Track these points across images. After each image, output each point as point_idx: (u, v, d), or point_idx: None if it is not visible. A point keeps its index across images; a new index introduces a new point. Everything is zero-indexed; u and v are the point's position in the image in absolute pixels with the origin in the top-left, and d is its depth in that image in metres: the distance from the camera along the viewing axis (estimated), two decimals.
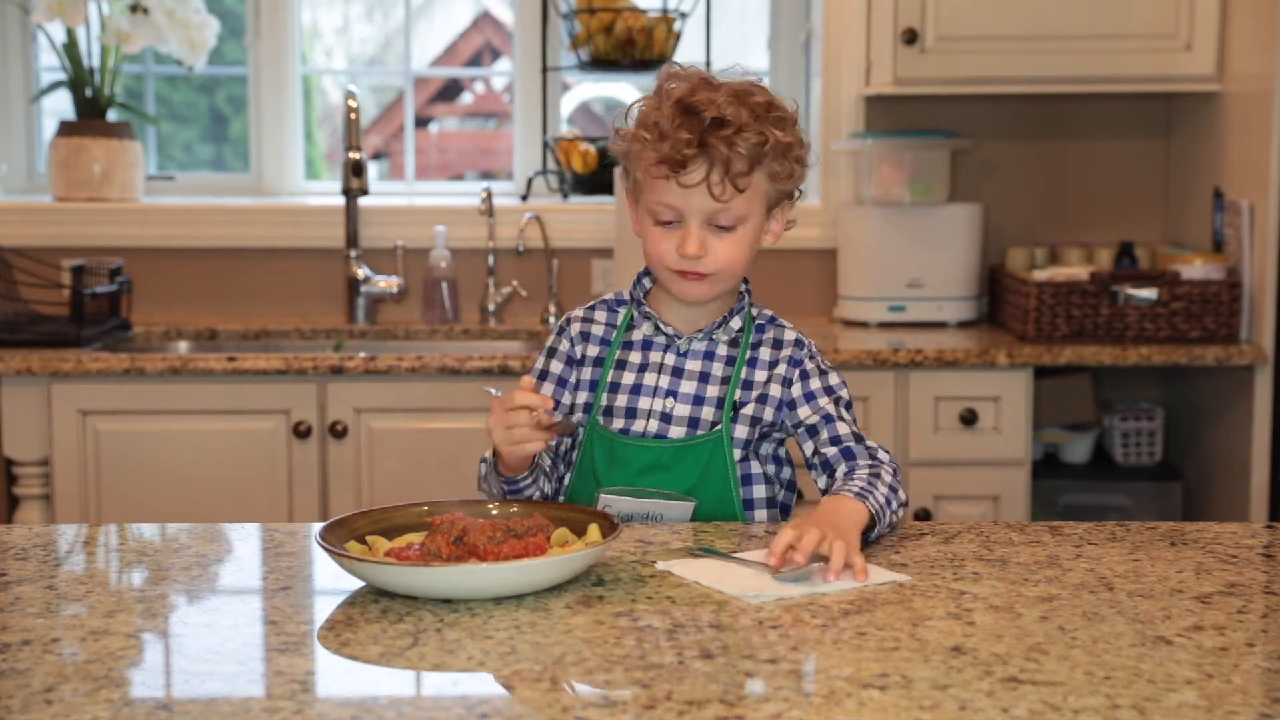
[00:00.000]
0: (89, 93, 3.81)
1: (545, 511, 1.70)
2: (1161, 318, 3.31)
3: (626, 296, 1.97)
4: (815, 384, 1.93)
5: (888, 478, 1.82)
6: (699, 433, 1.90)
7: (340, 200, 3.78)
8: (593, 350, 1.95)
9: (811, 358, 1.95)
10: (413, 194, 4.06)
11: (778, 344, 1.95)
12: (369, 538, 1.65)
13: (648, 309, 1.93)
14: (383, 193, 4.04)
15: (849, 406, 1.93)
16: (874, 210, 3.60)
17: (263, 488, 3.18)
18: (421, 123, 4.70)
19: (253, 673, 1.31)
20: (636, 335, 1.95)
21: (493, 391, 1.92)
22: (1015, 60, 3.42)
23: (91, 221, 3.74)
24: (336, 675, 1.31)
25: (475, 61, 4.97)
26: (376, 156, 4.55)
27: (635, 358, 1.93)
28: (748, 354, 1.93)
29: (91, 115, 3.81)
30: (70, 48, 3.78)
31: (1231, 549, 1.71)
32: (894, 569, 1.63)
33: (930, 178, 3.62)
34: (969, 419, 3.24)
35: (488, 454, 1.87)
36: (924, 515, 3.25)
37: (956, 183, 3.78)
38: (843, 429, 1.90)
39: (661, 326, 1.92)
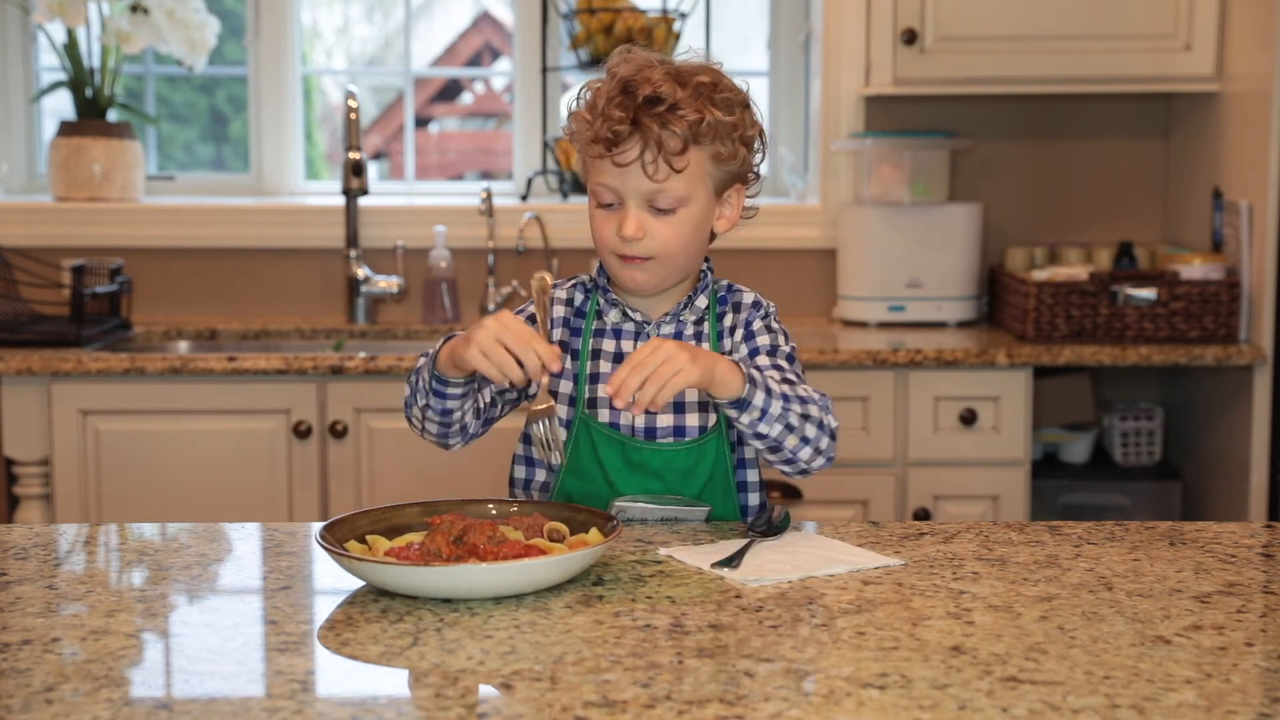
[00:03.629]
0: (89, 93, 3.81)
1: (546, 511, 1.70)
2: (1161, 318, 3.32)
3: (594, 283, 1.95)
4: (758, 341, 1.90)
5: (803, 390, 1.79)
6: (686, 416, 1.88)
7: (340, 200, 3.78)
8: (571, 339, 1.92)
9: (764, 318, 1.93)
10: (413, 194, 4.06)
11: (737, 308, 1.93)
12: (369, 538, 1.65)
13: (614, 295, 1.91)
14: (383, 193, 4.04)
15: (790, 359, 1.89)
16: (874, 210, 3.61)
17: (263, 488, 3.18)
18: (421, 123, 4.70)
19: (253, 672, 1.31)
20: (605, 322, 1.92)
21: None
22: (1015, 60, 3.42)
23: (91, 221, 3.74)
24: (336, 675, 1.31)
25: (475, 61, 4.97)
26: (376, 156, 4.55)
27: (608, 345, 1.91)
28: (717, 327, 1.92)
29: (91, 115, 3.81)
30: (70, 48, 3.78)
31: (1230, 549, 1.72)
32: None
33: (930, 178, 3.62)
34: (969, 419, 3.24)
35: (433, 348, 1.83)
36: (924, 515, 3.25)
37: (956, 183, 3.78)
38: (774, 381, 1.86)
39: (629, 313, 1.91)
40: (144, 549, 1.75)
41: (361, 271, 3.70)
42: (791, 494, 3.23)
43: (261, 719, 1.19)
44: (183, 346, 3.60)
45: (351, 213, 3.71)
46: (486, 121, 5.16)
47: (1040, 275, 3.37)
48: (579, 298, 1.95)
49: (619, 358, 1.89)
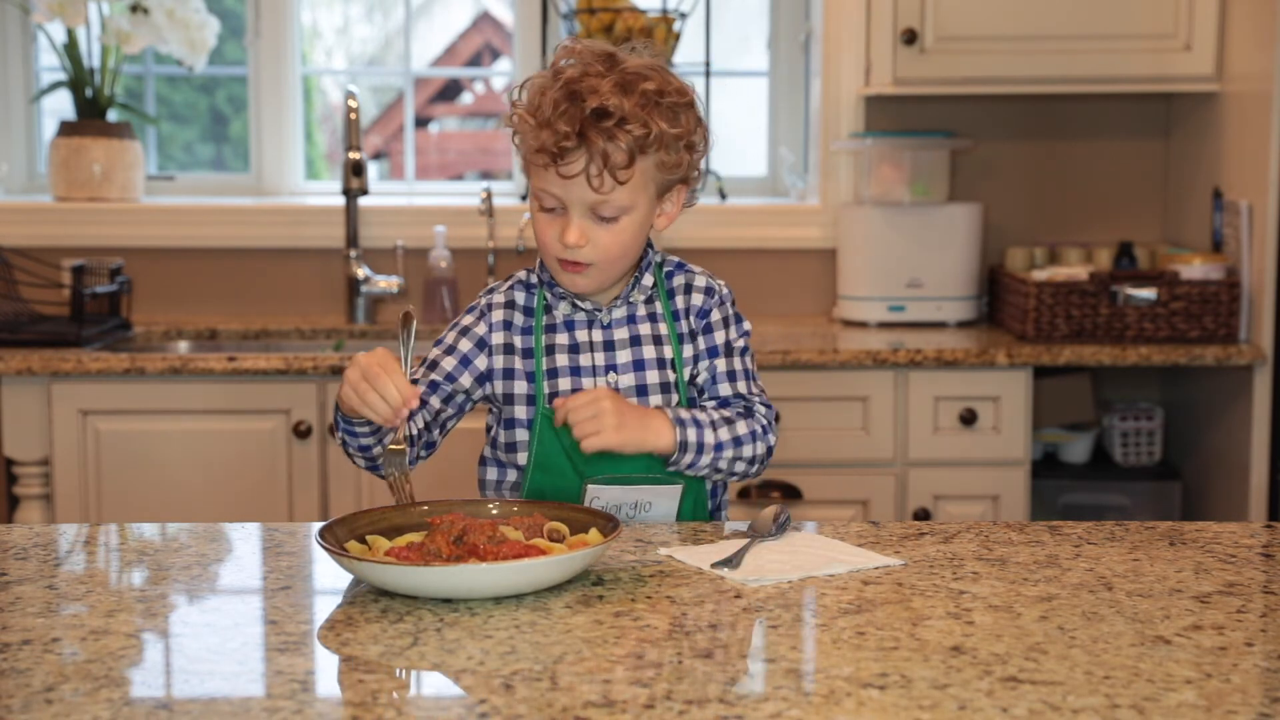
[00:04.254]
0: (89, 93, 3.81)
1: (546, 511, 1.70)
2: (1161, 318, 3.32)
3: (535, 280, 1.94)
4: (716, 338, 1.93)
5: (741, 427, 1.87)
6: (650, 398, 1.89)
7: (340, 200, 3.78)
8: (517, 340, 1.91)
9: (720, 305, 1.95)
10: (413, 194, 4.06)
11: (688, 289, 1.94)
12: (369, 538, 1.65)
13: (560, 289, 1.91)
14: (383, 193, 4.04)
15: (744, 352, 1.94)
16: (874, 210, 3.61)
17: (263, 488, 3.18)
18: (421, 123, 4.70)
19: (253, 672, 1.31)
20: (556, 316, 1.92)
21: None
22: (1015, 60, 3.42)
23: (91, 221, 3.74)
24: (336, 675, 1.31)
25: (475, 61, 4.97)
26: (376, 156, 4.55)
27: (562, 339, 1.91)
28: (670, 306, 1.93)
29: (91, 115, 3.81)
30: (70, 48, 3.78)
31: (1230, 549, 1.72)
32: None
33: (930, 178, 3.62)
34: (968, 419, 3.24)
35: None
36: (924, 515, 3.25)
37: (956, 183, 3.78)
38: (724, 389, 1.92)
39: (579, 303, 1.91)
40: (144, 549, 1.75)
41: (361, 271, 3.70)
42: (791, 494, 3.23)
43: (261, 719, 1.19)
44: (183, 346, 3.60)
45: (351, 213, 3.71)
46: (486, 121, 5.15)
47: (1040, 275, 3.37)
48: (520, 297, 1.94)
49: (575, 348, 1.90)
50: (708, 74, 3.85)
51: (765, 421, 1.90)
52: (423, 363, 1.94)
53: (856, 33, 3.68)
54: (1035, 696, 1.23)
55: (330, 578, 1.60)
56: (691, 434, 1.82)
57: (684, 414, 1.84)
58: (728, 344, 1.93)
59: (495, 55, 4.93)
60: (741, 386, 1.93)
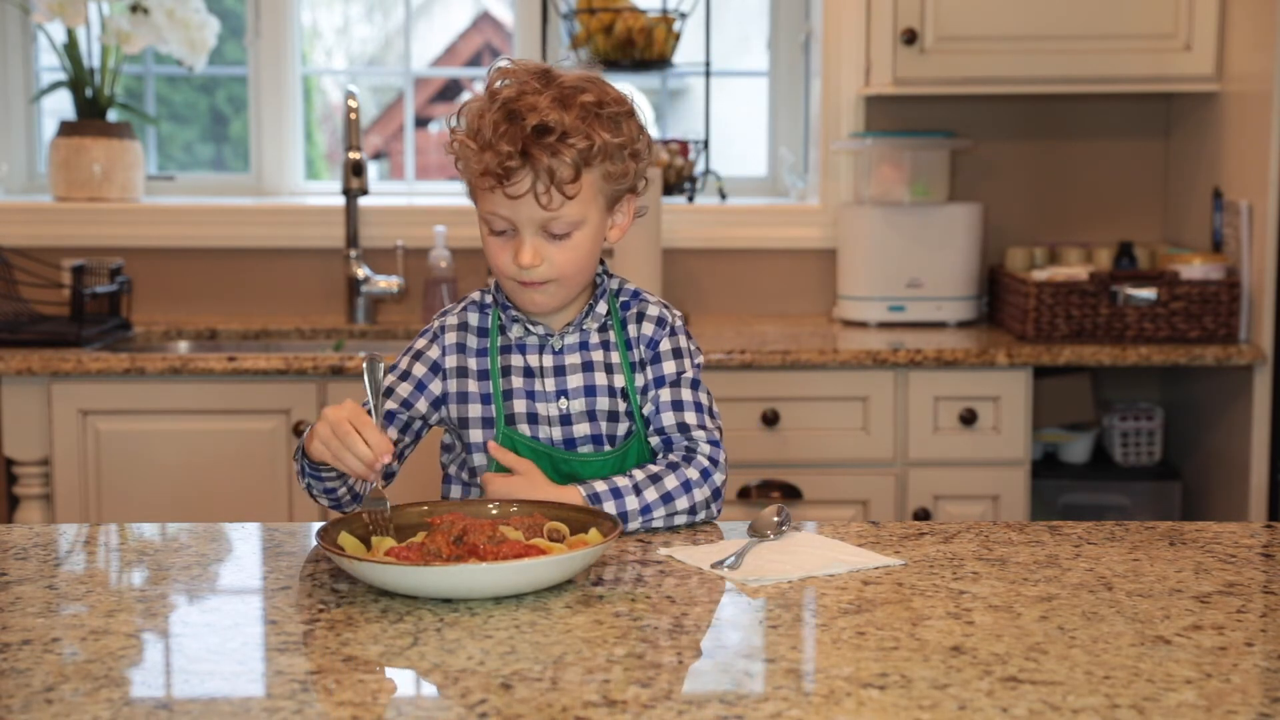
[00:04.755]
0: (89, 93, 3.81)
1: (546, 511, 1.70)
2: (1160, 318, 3.32)
3: (490, 300, 1.93)
4: (664, 368, 1.90)
5: (670, 481, 1.81)
6: (600, 424, 1.88)
7: (340, 200, 3.78)
8: (472, 362, 1.90)
9: (672, 335, 1.92)
10: (413, 194, 4.06)
11: (641, 318, 1.92)
12: (372, 540, 1.65)
13: (514, 312, 1.89)
14: (383, 193, 4.04)
15: (695, 385, 1.90)
16: (874, 210, 3.60)
17: (263, 488, 3.18)
18: (421, 123, 4.70)
19: (253, 673, 1.31)
20: (509, 338, 1.90)
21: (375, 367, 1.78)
22: (1015, 60, 3.42)
23: (91, 221, 3.74)
24: (336, 675, 1.31)
25: (475, 61, 4.97)
26: (376, 156, 4.55)
27: (516, 360, 1.89)
28: (623, 335, 1.91)
29: (91, 115, 3.81)
30: (70, 48, 3.78)
31: (1230, 549, 1.72)
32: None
33: (930, 178, 3.62)
34: (968, 419, 3.24)
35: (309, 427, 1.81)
36: (924, 515, 3.25)
37: (956, 183, 3.78)
38: (667, 419, 1.88)
39: (531, 328, 1.89)
40: (144, 549, 1.75)
41: (361, 271, 3.70)
42: (791, 494, 3.23)
43: (261, 719, 1.19)
44: (183, 346, 3.60)
45: (351, 213, 3.71)
46: None
47: (1040, 275, 3.37)
48: (474, 318, 1.92)
49: (529, 372, 1.88)
50: (708, 74, 3.85)
51: (706, 464, 1.85)
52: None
53: (856, 33, 3.68)
54: (1035, 696, 1.23)
55: (330, 578, 1.60)
56: (609, 507, 1.77)
57: (600, 487, 1.79)
58: (676, 375, 1.89)
59: (495, 55, 4.93)
60: (689, 418, 1.88)
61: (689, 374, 1.91)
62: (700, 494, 1.83)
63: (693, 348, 1.93)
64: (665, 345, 1.91)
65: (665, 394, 1.89)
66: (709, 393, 1.93)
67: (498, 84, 1.82)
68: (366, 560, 1.51)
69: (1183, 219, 3.71)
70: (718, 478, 1.86)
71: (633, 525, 1.79)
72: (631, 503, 1.79)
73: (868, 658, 1.33)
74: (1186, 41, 3.41)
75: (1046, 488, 3.51)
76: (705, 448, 1.87)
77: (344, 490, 1.85)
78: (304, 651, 1.36)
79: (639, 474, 1.83)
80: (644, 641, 1.38)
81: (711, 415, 1.91)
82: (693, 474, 1.83)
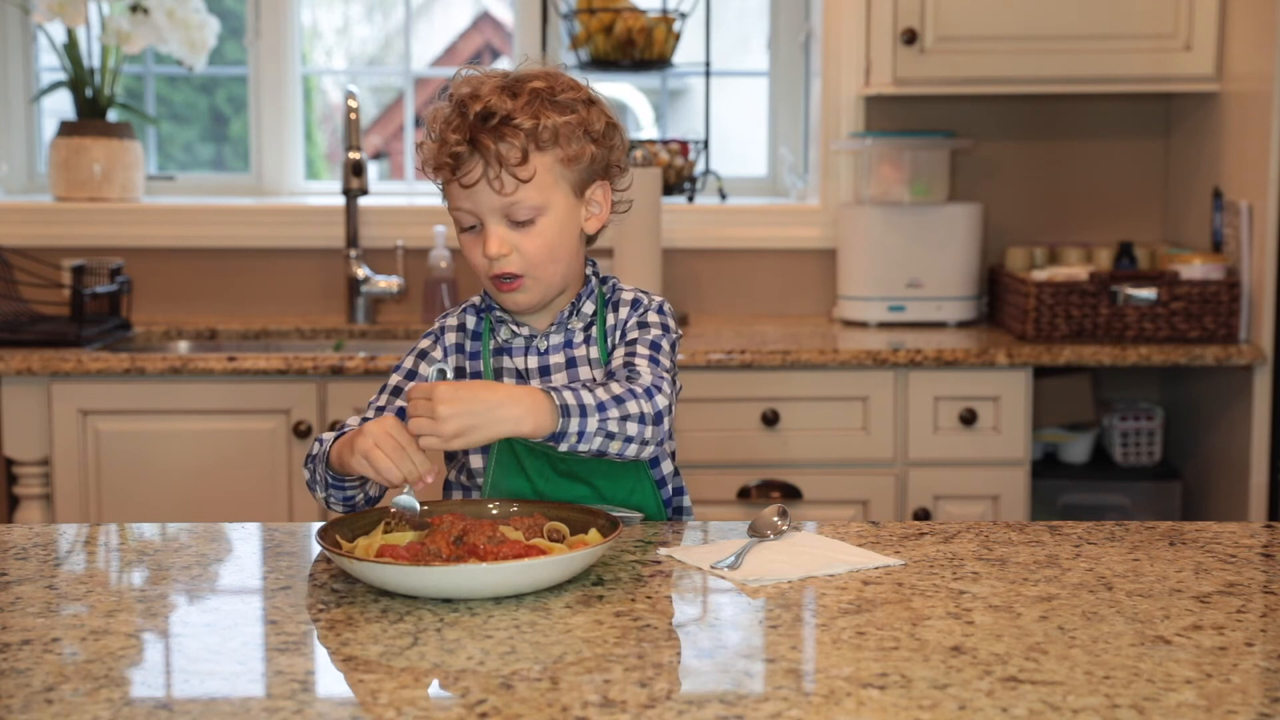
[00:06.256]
0: (89, 93, 3.81)
1: (546, 511, 1.70)
2: (1161, 318, 3.32)
3: (484, 305, 1.93)
4: (629, 335, 1.88)
5: (616, 387, 1.74)
6: None
7: (340, 200, 3.78)
8: (468, 365, 1.92)
9: (641, 313, 1.89)
10: (413, 194, 4.06)
11: (616, 306, 1.92)
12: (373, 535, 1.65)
13: (499, 313, 1.90)
14: (383, 193, 4.04)
15: (654, 345, 1.85)
16: (874, 210, 3.61)
17: (263, 488, 3.18)
18: (421, 123, 4.70)
19: (253, 673, 1.31)
20: (499, 340, 1.91)
21: (443, 373, 1.77)
22: (1015, 60, 3.42)
23: (91, 221, 3.74)
24: (336, 675, 1.32)
25: (475, 62, 4.97)
26: (376, 156, 4.55)
27: (507, 363, 1.90)
28: (604, 329, 1.90)
29: (92, 115, 3.81)
30: (70, 48, 3.78)
31: (1230, 549, 1.72)
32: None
33: (930, 178, 3.62)
34: (968, 419, 3.24)
35: (327, 436, 1.81)
36: (924, 515, 3.25)
37: (956, 183, 3.78)
38: (617, 357, 1.84)
39: (516, 329, 1.90)
40: (144, 549, 1.75)
41: (361, 271, 3.70)
42: (791, 494, 3.23)
43: (261, 719, 1.20)
44: (183, 346, 3.60)
45: (351, 213, 3.71)
46: None
47: (1040, 275, 3.37)
48: (471, 321, 1.94)
49: (519, 375, 1.89)
50: (708, 74, 3.85)
51: (648, 385, 1.76)
52: (383, 389, 1.93)
53: (856, 33, 3.68)
54: (1035, 696, 1.23)
55: (330, 578, 1.60)
56: (569, 396, 1.70)
57: (555, 385, 1.76)
58: (636, 338, 1.86)
59: (495, 55, 4.93)
60: (640, 363, 1.81)
61: (653, 332, 1.87)
62: (646, 405, 1.74)
63: (666, 323, 1.90)
64: (633, 321, 1.89)
65: (620, 350, 1.86)
66: (673, 363, 1.87)
67: (454, 89, 1.85)
68: (366, 560, 1.51)
69: (1183, 219, 3.71)
70: (660, 400, 1.76)
71: (592, 421, 1.70)
72: (588, 397, 1.72)
73: (868, 658, 1.33)
74: (1186, 41, 3.41)
75: (1046, 488, 3.51)
76: (647, 377, 1.79)
77: (361, 498, 1.85)
78: (304, 651, 1.36)
79: (587, 383, 1.78)
80: (644, 641, 1.38)
81: (667, 373, 1.83)
82: (635, 388, 1.76)
